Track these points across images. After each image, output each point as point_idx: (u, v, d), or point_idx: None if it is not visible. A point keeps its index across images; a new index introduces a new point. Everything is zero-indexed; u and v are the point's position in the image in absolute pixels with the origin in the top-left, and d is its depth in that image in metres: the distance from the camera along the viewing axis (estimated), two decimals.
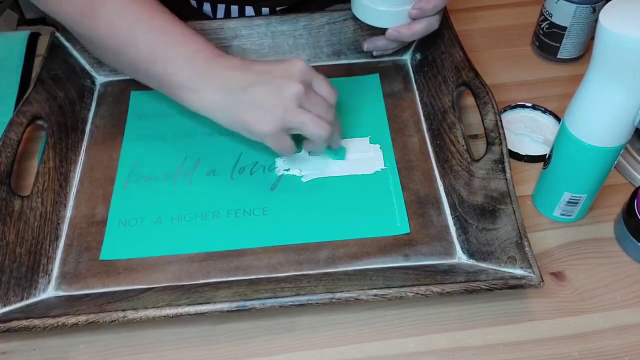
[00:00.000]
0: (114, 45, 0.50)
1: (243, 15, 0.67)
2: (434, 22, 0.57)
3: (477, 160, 0.51)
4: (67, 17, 0.50)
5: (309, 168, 0.55)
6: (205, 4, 0.67)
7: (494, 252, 0.46)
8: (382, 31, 0.58)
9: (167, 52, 0.48)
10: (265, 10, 0.66)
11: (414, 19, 0.56)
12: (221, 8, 0.67)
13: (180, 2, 0.68)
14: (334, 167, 0.55)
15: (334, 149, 0.55)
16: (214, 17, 0.68)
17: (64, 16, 0.50)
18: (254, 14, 0.67)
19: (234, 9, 0.67)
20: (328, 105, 0.50)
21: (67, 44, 0.62)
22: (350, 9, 0.60)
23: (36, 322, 0.42)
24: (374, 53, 0.63)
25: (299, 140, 0.52)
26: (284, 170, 0.55)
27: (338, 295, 0.43)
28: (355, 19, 0.62)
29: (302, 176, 0.55)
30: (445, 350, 0.45)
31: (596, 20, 0.40)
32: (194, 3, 0.68)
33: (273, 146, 0.49)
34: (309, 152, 0.56)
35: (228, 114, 0.48)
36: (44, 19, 1.10)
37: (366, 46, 0.62)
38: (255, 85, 0.47)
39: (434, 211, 0.52)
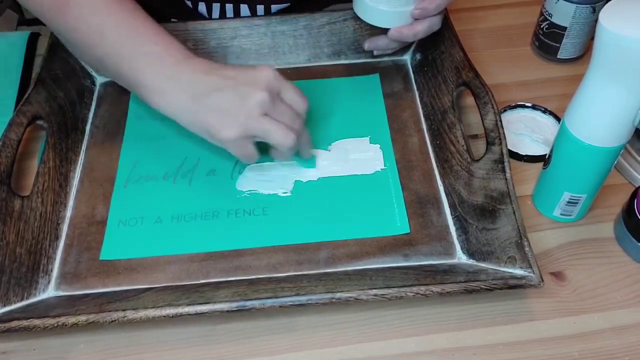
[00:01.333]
0: (83, 41, 0.50)
1: (238, 14, 0.67)
2: (436, 22, 0.57)
3: (477, 160, 0.51)
4: (39, 8, 0.50)
5: (308, 168, 0.55)
6: (200, 3, 0.67)
7: (494, 252, 0.46)
8: (383, 31, 0.58)
9: (135, 51, 0.48)
10: (260, 8, 0.66)
11: (416, 19, 0.56)
12: (216, 7, 0.67)
13: (175, 2, 0.68)
14: (333, 167, 0.55)
15: (304, 158, 0.55)
16: (210, 17, 0.68)
17: (35, 7, 0.50)
18: (249, 13, 0.67)
19: (229, 7, 0.67)
20: (296, 114, 0.49)
21: None
22: (350, 9, 0.60)
23: (36, 322, 0.42)
24: (375, 52, 0.63)
25: (266, 147, 0.51)
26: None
27: (338, 295, 0.43)
28: (355, 19, 0.62)
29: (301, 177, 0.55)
30: (445, 350, 0.45)
31: (596, 20, 0.40)
32: (189, 3, 0.68)
33: (235, 152, 0.48)
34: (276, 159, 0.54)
35: (192, 118, 0.48)
36: None
37: (367, 45, 0.61)
38: (221, 90, 0.47)
39: (434, 211, 0.52)
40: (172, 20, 0.66)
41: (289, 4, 0.67)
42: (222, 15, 0.68)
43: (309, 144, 0.53)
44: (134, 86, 0.50)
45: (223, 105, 0.47)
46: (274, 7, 0.67)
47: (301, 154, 0.54)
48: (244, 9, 0.67)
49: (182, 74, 0.48)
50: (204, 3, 0.67)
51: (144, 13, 0.50)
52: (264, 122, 0.47)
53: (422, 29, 0.56)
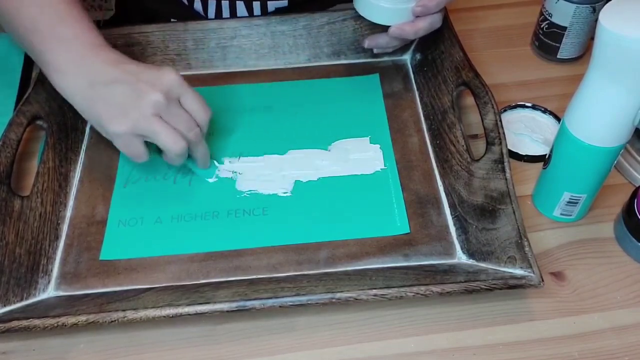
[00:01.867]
0: (6, 7, 0.50)
1: (234, 12, 0.67)
2: (437, 20, 0.57)
3: (477, 160, 0.51)
4: None
5: (308, 168, 0.55)
6: (196, 1, 0.67)
7: (494, 252, 0.46)
8: (383, 29, 0.58)
9: (48, 29, 0.49)
10: (256, 6, 0.66)
11: (417, 16, 0.56)
12: (212, 5, 0.67)
13: (172, 0, 0.68)
14: (333, 167, 0.55)
15: (201, 168, 0.54)
16: (205, 15, 0.68)
17: None
18: (245, 11, 0.67)
19: (225, 5, 0.67)
20: (193, 124, 0.49)
21: None
22: (350, 8, 0.60)
23: (36, 322, 0.42)
24: (375, 51, 0.63)
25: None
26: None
27: (338, 295, 0.43)
28: (354, 18, 0.62)
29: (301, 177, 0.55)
30: (445, 350, 0.45)
31: (596, 20, 0.40)
32: (185, 0, 0.68)
33: (121, 148, 0.49)
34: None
35: (86, 105, 0.49)
36: None
37: (367, 43, 0.61)
38: (119, 83, 0.47)
39: (433, 211, 0.52)
40: (172, 20, 0.66)
41: (286, 3, 0.67)
42: (218, 13, 0.68)
43: (204, 156, 0.53)
44: (41, 62, 0.50)
45: (117, 98, 0.47)
46: (271, 6, 0.67)
47: (198, 164, 0.54)
48: (240, 6, 0.67)
49: (87, 60, 0.48)
50: (199, 0, 0.67)
51: None
52: (154, 123, 0.47)
53: (424, 26, 0.56)
